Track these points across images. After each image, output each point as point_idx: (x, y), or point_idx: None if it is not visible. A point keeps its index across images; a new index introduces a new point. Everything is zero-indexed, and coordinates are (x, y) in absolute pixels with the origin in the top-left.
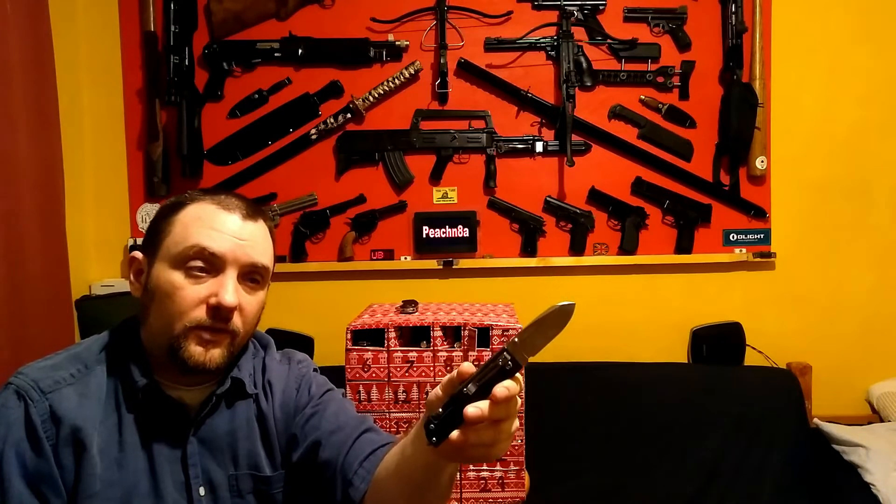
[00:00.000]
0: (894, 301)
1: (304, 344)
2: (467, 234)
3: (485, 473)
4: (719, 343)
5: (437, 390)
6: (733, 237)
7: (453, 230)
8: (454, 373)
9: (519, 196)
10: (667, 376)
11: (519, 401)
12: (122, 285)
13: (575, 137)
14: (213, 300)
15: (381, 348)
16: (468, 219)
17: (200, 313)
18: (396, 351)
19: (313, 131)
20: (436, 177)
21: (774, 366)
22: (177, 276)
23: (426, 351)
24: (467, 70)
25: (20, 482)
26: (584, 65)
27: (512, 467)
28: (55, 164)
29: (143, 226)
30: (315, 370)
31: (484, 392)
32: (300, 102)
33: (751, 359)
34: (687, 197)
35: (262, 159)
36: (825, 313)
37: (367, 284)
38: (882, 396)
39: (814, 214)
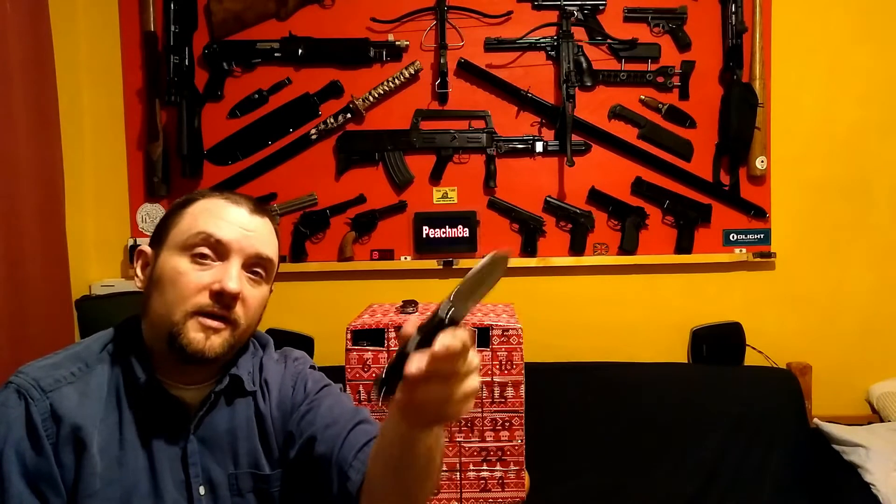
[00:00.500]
0: (894, 301)
1: (304, 344)
2: (467, 234)
3: (485, 473)
4: (719, 343)
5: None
6: (733, 237)
7: (453, 230)
8: (401, 331)
9: (519, 196)
10: (667, 376)
11: (471, 361)
12: (122, 285)
13: (575, 137)
14: (216, 286)
15: (381, 348)
16: (468, 219)
17: (203, 298)
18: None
19: (313, 131)
20: (436, 177)
21: (774, 366)
22: (182, 262)
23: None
24: (467, 70)
25: (20, 481)
26: (584, 65)
27: (512, 467)
28: (55, 164)
29: (143, 226)
30: (312, 367)
31: (427, 344)
32: (300, 102)
33: (751, 359)
34: (687, 197)
35: (262, 159)
36: (825, 313)
37: (367, 284)
38: (882, 396)
39: (814, 214)
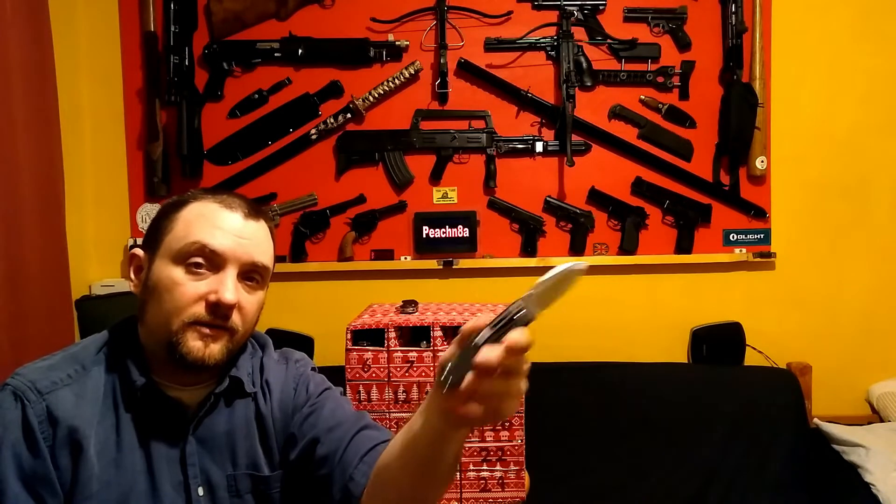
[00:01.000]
0: (894, 301)
1: (304, 344)
2: (467, 234)
3: (485, 473)
4: (719, 343)
5: (450, 348)
6: (733, 237)
7: (453, 230)
8: (467, 327)
9: (519, 196)
10: (667, 376)
11: (527, 363)
12: (122, 285)
13: (575, 137)
14: (212, 297)
15: (381, 348)
16: (468, 219)
17: (199, 309)
18: (396, 351)
19: (313, 131)
20: (436, 177)
21: (774, 366)
22: (177, 272)
23: (426, 351)
24: (467, 70)
25: (17, 483)
26: (584, 65)
27: (512, 467)
28: (55, 164)
29: (143, 226)
30: (313, 369)
31: (497, 340)
32: (300, 102)
33: (751, 359)
34: (687, 197)
35: (262, 159)
36: (825, 313)
37: (367, 284)
38: (882, 396)
39: (814, 214)
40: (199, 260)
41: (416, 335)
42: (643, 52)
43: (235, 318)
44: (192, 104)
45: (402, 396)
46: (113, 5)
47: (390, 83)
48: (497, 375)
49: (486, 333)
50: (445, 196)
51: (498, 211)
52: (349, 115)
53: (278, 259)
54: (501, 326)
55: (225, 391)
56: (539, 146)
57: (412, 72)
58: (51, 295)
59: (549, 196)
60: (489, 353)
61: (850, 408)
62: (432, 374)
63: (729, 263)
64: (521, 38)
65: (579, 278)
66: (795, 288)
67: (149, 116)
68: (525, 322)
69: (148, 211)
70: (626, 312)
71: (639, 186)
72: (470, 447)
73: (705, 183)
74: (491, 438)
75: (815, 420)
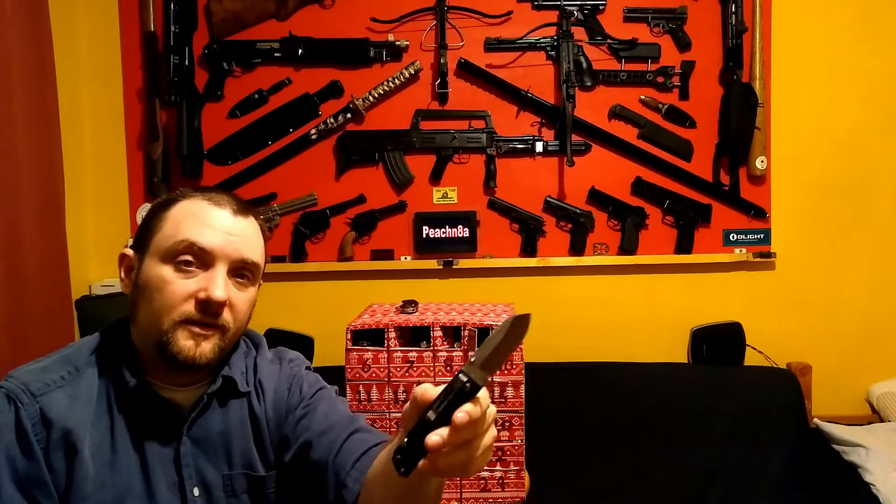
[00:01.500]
0: (894, 301)
1: (304, 344)
2: (467, 234)
3: (485, 473)
4: (719, 343)
5: (407, 408)
6: (733, 237)
7: (453, 230)
8: (417, 394)
9: (519, 196)
10: (667, 376)
11: (491, 414)
12: None
13: (575, 137)
14: (202, 294)
15: (381, 348)
16: (468, 219)
17: (189, 307)
18: (396, 351)
19: (313, 131)
20: (436, 177)
21: (774, 366)
22: (166, 271)
23: (426, 351)
24: (467, 70)
25: (11, 486)
26: (584, 65)
27: (512, 467)
28: (55, 164)
29: None
30: (307, 368)
31: (445, 418)
32: (300, 102)
33: (751, 359)
34: (687, 197)
35: (262, 159)
36: (825, 313)
37: (367, 284)
38: (882, 396)
39: (814, 214)
40: (189, 258)
41: (416, 335)
42: (643, 52)
43: (226, 315)
44: (192, 104)
45: (402, 396)
46: (113, 5)
47: (390, 83)
48: (454, 449)
49: (431, 416)
50: (445, 196)
51: (498, 211)
52: (349, 115)
53: (278, 259)
54: (448, 405)
55: (218, 391)
56: (539, 146)
57: (412, 72)
58: (51, 295)
59: (549, 196)
60: (438, 438)
61: (850, 408)
62: (432, 375)
63: (729, 263)
64: (521, 38)
65: (526, 328)
66: (795, 288)
67: (149, 116)
68: (474, 393)
69: None
70: (626, 312)
71: (639, 186)
72: None
73: (705, 183)
74: None
75: (815, 420)
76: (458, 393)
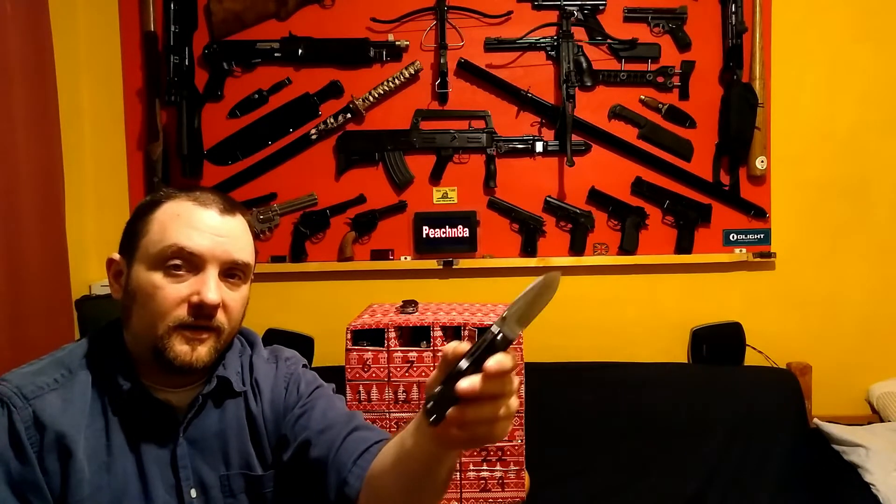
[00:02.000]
0: (894, 301)
1: (304, 344)
2: (467, 234)
3: (485, 473)
4: (719, 343)
5: (434, 373)
6: (733, 237)
7: (453, 230)
8: (448, 351)
9: (519, 196)
10: (667, 376)
11: (516, 380)
12: None
13: (575, 137)
14: (195, 298)
15: (381, 348)
16: (468, 219)
17: (182, 312)
18: (396, 351)
19: (313, 131)
20: (436, 177)
21: (774, 366)
22: (156, 277)
23: (426, 351)
24: (467, 70)
25: (5, 490)
26: (584, 65)
27: (512, 467)
28: (55, 164)
29: None
30: (304, 366)
31: (477, 367)
32: (300, 102)
33: (751, 359)
34: (687, 197)
35: (262, 159)
36: (825, 313)
37: (367, 284)
38: (882, 396)
39: (814, 214)
40: (178, 262)
41: (416, 335)
42: (643, 52)
43: (220, 316)
44: (192, 104)
45: (402, 396)
46: (113, 5)
47: (390, 83)
48: (483, 401)
49: (464, 364)
50: (445, 196)
51: (498, 211)
52: (349, 115)
53: (278, 259)
54: (480, 354)
55: (213, 392)
56: (539, 146)
57: (412, 72)
58: (51, 295)
59: (549, 196)
60: (470, 383)
61: (850, 408)
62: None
63: (729, 263)
64: (521, 38)
65: (556, 286)
66: (795, 288)
67: (149, 116)
68: (505, 345)
69: None
70: (626, 312)
71: (639, 186)
72: None
73: (705, 183)
74: None
75: (815, 420)
76: (490, 344)
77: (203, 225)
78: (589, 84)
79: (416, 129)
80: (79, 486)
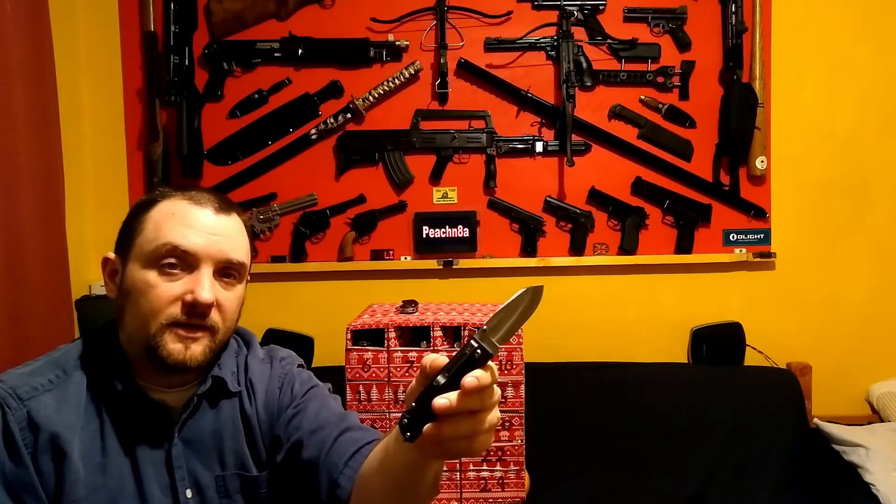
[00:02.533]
0: (894, 301)
1: (304, 344)
2: (467, 234)
3: (485, 473)
4: (719, 343)
5: (413, 384)
6: (733, 237)
7: (453, 230)
8: (426, 364)
9: (519, 196)
10: (667, 376)
11: (497, 391)
12: None
13: (575, 137)
14: (188, 297)
15: (381, 348)
16: (468, 219)
17: (175, 310)
18: (396, 351)
19: (313, 131)
20: (436, 177)
21: (774, 366)
22: (150, 275)
23: (426, 351)
24: (467, 70)
25: (0, 491)
26: (584, 65)
27: (512, 467)
28: (55, 164)
29: None
30: (300, 366)
31: (454, 383)
32: (300, 102)
33: (751, 359)
34: (687, 197)
35: (262, 159)
36: (825, 313)
37: (367, 284)
38: (882, 396)
39: (814, 214)
40: (172, 260)
41: (416, 335)
42: (643, 52)
43: (215, 316)
44: (192, 104)
45: (402, 396)
46: (113, 5)
47: (390, 83)
48: (460, 418)
49: (441, 380)
50: (445, 196)
51: (498, 211)
52: (349, 115)
53: (278, 259)
54: (458, 370)
55: (208, 392)
56: (539, 146)
57: (412, 72)
58: (51, 295)
59: (549, 196)
60: (446, 401)
61: (850, 408)
62: None
63: (729, 263)
64: (521, 38)
65: (539, 299)
66: (795, 288)
67: (149, 116)
68: (484, 360)
69: None
70: (626, 312)
71: (639, 186)
72: None
73: (705, 183)
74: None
75: (815, 420)
76: (469, 359)
77: (198, 224)
78: (589, 84)
79: (416, 129)
80: (73, 487)
